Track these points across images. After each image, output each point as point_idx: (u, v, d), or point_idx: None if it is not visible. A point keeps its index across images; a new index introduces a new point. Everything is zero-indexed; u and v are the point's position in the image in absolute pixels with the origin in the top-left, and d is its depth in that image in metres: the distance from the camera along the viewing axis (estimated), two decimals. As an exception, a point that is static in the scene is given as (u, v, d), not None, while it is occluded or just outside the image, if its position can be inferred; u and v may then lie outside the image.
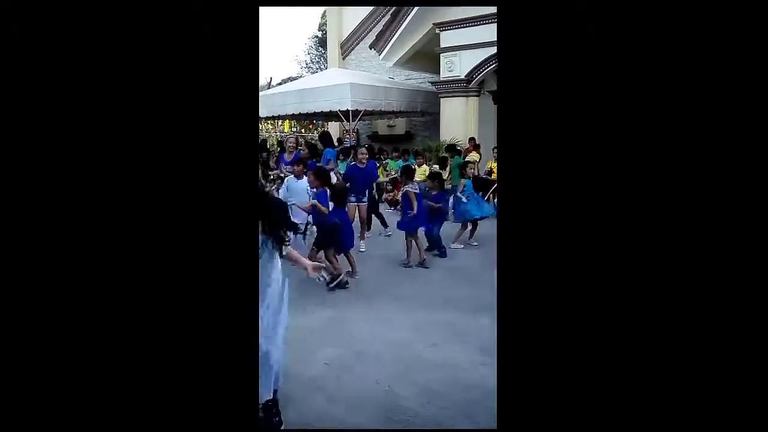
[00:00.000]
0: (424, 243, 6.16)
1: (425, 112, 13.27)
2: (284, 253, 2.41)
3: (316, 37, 26.34)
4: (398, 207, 6.20)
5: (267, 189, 5.98)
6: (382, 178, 11.62)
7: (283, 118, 14.95)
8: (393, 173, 10.19)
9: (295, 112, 12.38)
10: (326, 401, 2.79)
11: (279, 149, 6.86)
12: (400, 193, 6.61)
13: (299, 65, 31.20)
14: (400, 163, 11.10)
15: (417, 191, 6.05)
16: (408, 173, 6.34)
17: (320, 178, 5.38)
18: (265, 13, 60.38)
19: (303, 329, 3.80)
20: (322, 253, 5.14)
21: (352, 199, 6.43)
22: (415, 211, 5.90)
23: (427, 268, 5.81)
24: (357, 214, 6.57)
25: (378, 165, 12.09)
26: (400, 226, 6.08)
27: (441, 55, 11.06)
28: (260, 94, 15.96)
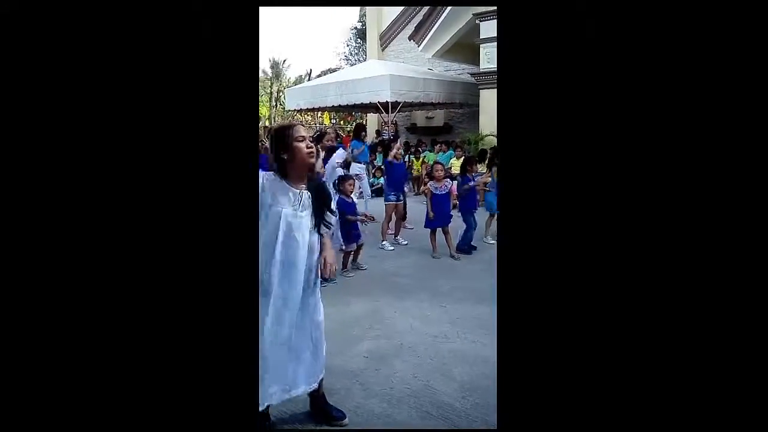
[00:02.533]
0: (457, 239, 6.13)
1: (464, 103, 13.17)
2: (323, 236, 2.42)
3: (355, 28, 26.35)
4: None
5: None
6: (417, 171, 11.65)
7: (323, 109, 15.06)
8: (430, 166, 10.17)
9: (335, 104, 12.45)
10: (364, 395, 2.84)
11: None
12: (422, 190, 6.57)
13: (338, 57, 31.28)
14: (441, 156, 11.06)
15: (437, 190, 6.02)
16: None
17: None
18: (304, 5, 60.54)
19: (341, 321, 3.87)
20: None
21: (392, 197, 6.44)
22: (431, 211, 5.95)
23: (457, 259, 5.83)
24: (393, 213, 6.56)
25: (417, 158, 12.12)
26: (425, 224, 6.10)
27: (480, 46, 10.95)
28: (301, 85, 16.10)
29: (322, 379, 2.55)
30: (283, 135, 2.31)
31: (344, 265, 5.43)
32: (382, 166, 8.86)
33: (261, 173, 2.27)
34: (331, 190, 5.32)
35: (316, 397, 2.58)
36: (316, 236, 2.36)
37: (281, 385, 2.35)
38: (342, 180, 5.62)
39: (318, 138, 6.56)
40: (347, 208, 5.38)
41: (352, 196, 5.57)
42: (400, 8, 16.32)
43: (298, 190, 2.30)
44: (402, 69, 12.70)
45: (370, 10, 17.93)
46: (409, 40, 13.29)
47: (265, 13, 63.70)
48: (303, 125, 2.45)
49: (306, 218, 2.32)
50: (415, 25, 13.00)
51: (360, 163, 7.57)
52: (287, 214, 2.27)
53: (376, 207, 7.13)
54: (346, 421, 2.56)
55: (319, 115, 18.84)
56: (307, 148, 2.31)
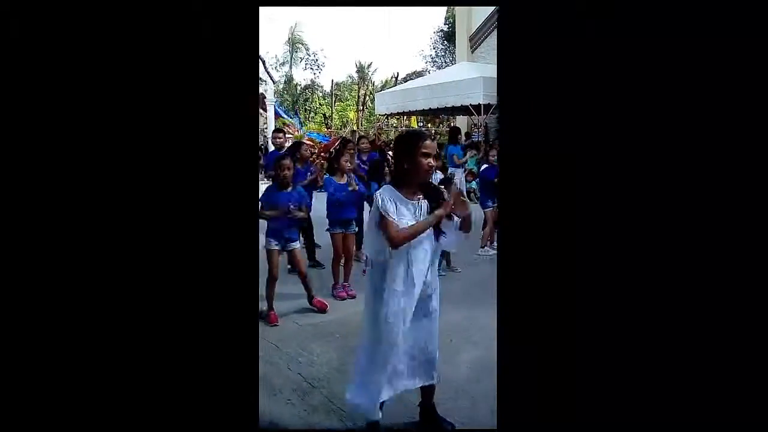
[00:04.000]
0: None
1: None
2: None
3: (442, 30, 26.28)
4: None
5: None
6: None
7: (412, 113, 15.10)
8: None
9: (424, 107, 12.43)
10: (470, 405, 2.75)
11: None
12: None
13: (424, 60, 31.32)
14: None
15: None
16: None
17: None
18: (391, 10, 61.22)
19: (442, 328, 3.79)
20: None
21: (489, 203, 6.26)
22: None
23: None
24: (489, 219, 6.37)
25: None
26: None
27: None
28: (390, 89, 16.23)
29: (434, 387, 2.50)
30: (411, 145, 2.24)
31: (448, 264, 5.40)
32: (474, 170, 8.73)
33: (380, 193, 2.21)
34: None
35: (427, 407, 2.52)
36: (436, 245, 2.31)
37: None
38: (446, 182, 5.58)
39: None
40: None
41: None
42: (490, 9, 16.07)
43: (416, 201, 2.23)
44: (494, 71, 12.44)
45: (458, 12, 17.78)
46: (501, 41, 13.05)
47: (347, 16, 64.72)
48: (431, 138, 2.37)
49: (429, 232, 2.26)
50: (506, 25, 12.76)
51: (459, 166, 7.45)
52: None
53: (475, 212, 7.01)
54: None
55: (405, 118, 18.91)
56: (428, 165, 2.24)
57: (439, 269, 2.76)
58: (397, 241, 2.13)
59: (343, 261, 4.81)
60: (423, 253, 2.23)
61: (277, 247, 4.23)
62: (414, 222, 2.18)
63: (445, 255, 5.47)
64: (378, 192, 2.23)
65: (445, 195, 2.26)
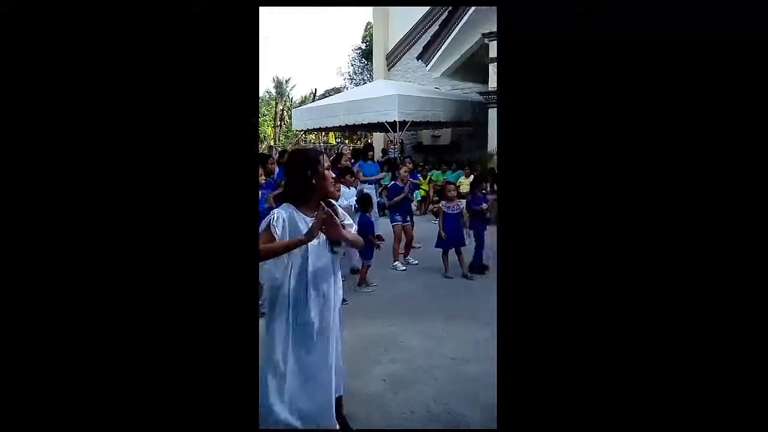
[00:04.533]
0: (469, 257, 6.02)
1: (471, 122, 13.18)
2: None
3: (360, 48, 26.56)
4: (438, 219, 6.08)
5: None
6: (422, 190, 11.60)
7: (330, 129, 15.10)
8: (439, 185, 10.11)
9: (342, 124, 12.46)
10: (384, 419, 2.74)
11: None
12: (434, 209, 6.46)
13: (342, 77, 31.50)
14: (449, 174, 11.02)
15: (449, 209, 5.93)
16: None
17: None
18: (307, 25, 60.98)
19: (355, 343, 3.76)
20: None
21: (398, 218, 6.34)
22: (443, 231, 5.86)
23: (471, 279, 5.74)
24: (403, 234, 6.44)
25: (423, 178, 12.10)
26: (437, 244, 6.00)
27: (490, 65, 10.96)
28: (307, 105, 16.16)
29: (342, 399, 2.46)
30: (314, 161, 2.21)
31: (360, 282, 5.39)
32: (387, 185, 8.79)
33: (278, 211, 2.18)
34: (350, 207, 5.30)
35: (339, 416, 2.48)
36: (334, 258, 2.28)
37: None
38: (364, 200, 5.60)
39: (335, 159, 6.48)
40: (368, 227, 5.34)
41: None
42: (407, 29, 16.43)
43: (312, 218, 2.17)
44: (409, 88, 12.72)
45: (376, 30, 18.05)
46: (417, 60, 13.33)
47: (267, 32, 64.36)
48: (322, 152, 2.38)
49: (324, 244, 2.23)
50: (422, 45, 13.05)
51: (370, 182, 7.48)
52: (315, 247, 2.18)
53: (384, 227, 7.06)
54: None
55: (323, 134, 18.89)
56: (332, 177, 2.26)
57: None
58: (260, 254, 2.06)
59: None
60: (323, 268, 2.23)
61: None
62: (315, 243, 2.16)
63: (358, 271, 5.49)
64: (276, 210, 2.19)
65: (337, 215, 2.23)
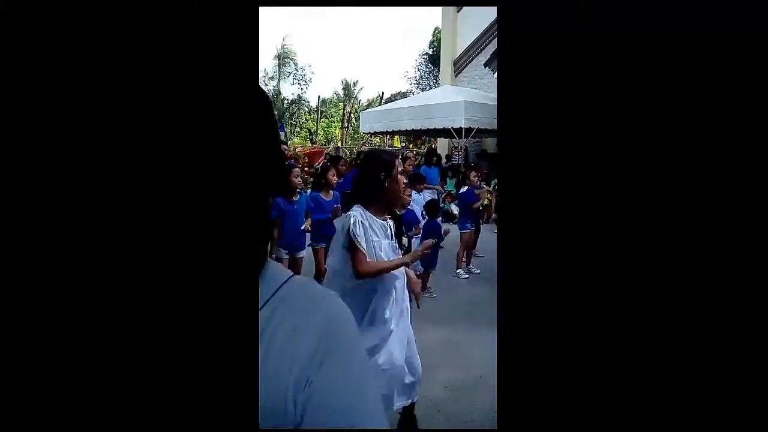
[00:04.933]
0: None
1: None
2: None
3: (427, 54, 26.63)
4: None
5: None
6: (487, 199, 11.54)
7: (396, 133, 15.24)
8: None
9: (408, 128, 12.59)
10: (447, 425, 2.81)
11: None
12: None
13: (408, 81, 31.61)
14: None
15: None
16: None
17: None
18: (378, 31, 60.98)
19: (417, 348, 3.85)
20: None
21: (468, 225, 6.38)
22: None
23: None
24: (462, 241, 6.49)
25: (485, 186, 12.03)
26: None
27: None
28: (375, 108, 16.36)
29: (414, 402, 2.56)
30: (389, 164, 2.28)
31: (423, 287, 5.47)
32: (452, 192, 8.84)
33: (352, 212, 2.24)
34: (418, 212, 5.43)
35: (409, 416, 2.58)
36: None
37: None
38: (432, 205, 5.70)
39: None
40: (437, 233, 5.43)
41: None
42: (475, 35, 16.39)
43: (384, 221, 2.28)
44: (476, 95, 12.71)
45: (444, 36, 18.08)
46: (485, 67, 13.30)
47: (335, 34, 64.89)
48: (398, 155, 2.47)
49: (395, 246, 2.33)
50: (490, 52, 13.01)
51: (430, 189, 7.55)
52: (385, 247, 2.27)
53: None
54: None
55: (388, 138, 19.05)
56: (404, 183, 2.34)
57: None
58: (363, 275, 2.17)
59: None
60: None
61: (286, 256, 4.37)
62: (383, 241, 2.25)
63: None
64: (350, 214, 2.24)
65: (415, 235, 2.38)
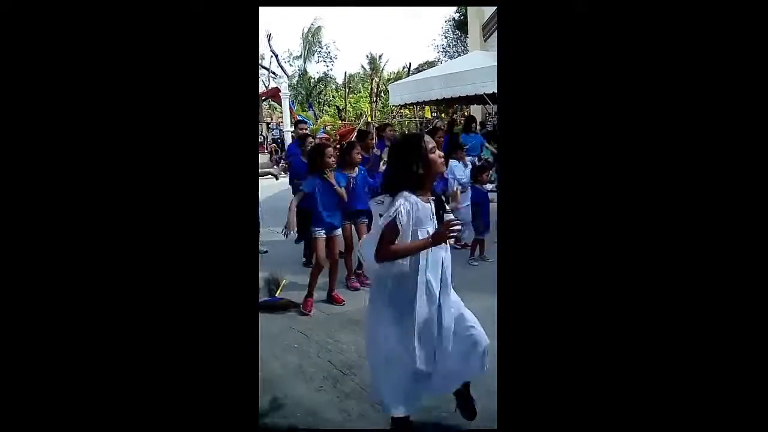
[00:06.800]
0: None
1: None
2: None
3: (453, 19, 26.07)
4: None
5: None
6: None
7: (426, 103, 15.03)
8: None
9: (439, 97, 12.36)
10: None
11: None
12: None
13: (435, 50, 31.12)
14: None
15: None
16: None
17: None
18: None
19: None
20: None
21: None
22: None
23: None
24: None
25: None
26: None
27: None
28: (404, 80, 16.16)
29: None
30: (417, 147, 2.22)
31: (481, 251, 5.45)
32: (489, 159, 8.66)
33: (402, 200, 2.18)
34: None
35: (464, 393, 2.53)
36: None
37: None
38: (479, 170, 5.62)
39: (430, 133, 6.43)
40: (484, 202, 5.37)
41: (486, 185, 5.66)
42: (503, -4, 15.92)
43: (428, 203, 2.24)
44: (508, 58, 12.36)
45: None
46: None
47: (359, 9, 64.61)
48: (426, 134, 2.40)
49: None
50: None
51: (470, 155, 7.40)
52: (425, 236, 2.22)
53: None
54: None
55: (418, 108, 18.82)
56: (440, 157, 2.27)
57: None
58: (383, 257, 2.15)
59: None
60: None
61: (323, 235, 4.33)
62: (432, 225, 2.20)
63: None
64: (401, 200, 2.19)
65: (447, 209, 2.31)
